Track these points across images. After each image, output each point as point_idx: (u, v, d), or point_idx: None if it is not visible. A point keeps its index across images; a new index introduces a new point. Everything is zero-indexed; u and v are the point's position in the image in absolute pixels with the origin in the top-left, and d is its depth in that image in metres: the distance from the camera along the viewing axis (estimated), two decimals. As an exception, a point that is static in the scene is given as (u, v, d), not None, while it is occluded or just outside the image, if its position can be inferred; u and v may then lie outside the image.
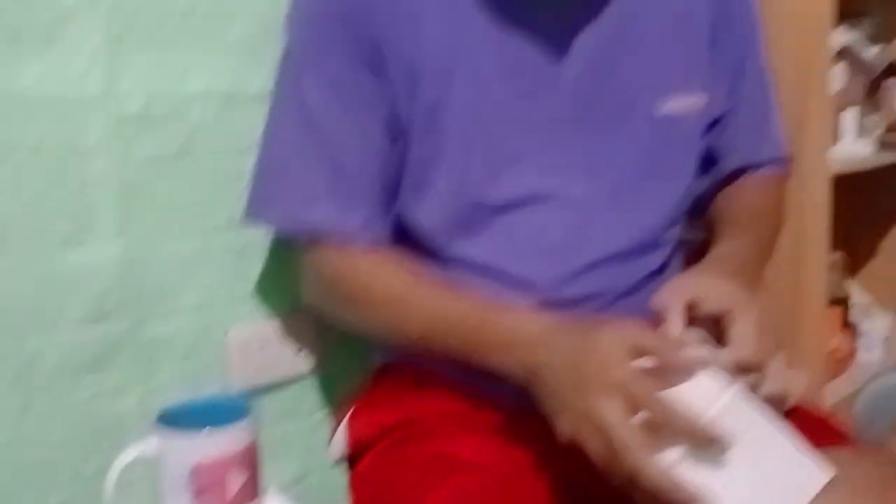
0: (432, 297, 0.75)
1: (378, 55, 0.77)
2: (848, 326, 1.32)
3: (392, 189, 0.81)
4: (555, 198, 0.79)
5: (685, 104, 0.82)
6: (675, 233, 0.85)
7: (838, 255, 1.28)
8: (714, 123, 0.87)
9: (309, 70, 0.80)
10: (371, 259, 0.79)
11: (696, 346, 0.65)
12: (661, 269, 0.83)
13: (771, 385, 0.66)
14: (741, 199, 0.89)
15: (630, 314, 0.70)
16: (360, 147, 0.79)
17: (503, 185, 0.79)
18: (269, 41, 0.90)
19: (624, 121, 0.80)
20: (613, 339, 0.62)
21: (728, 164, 0.89)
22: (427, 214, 0.81)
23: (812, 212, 1.07)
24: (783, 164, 0.93)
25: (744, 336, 0.64)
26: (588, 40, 0.79)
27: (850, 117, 1.17)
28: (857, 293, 1.39)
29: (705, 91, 0.83)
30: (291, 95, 0.82)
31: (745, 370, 0.64)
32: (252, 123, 0.92)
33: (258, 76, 0.95)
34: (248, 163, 0.92)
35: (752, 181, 0.90)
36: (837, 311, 1.28)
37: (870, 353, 1.43)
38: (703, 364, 0.61)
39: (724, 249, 0.81)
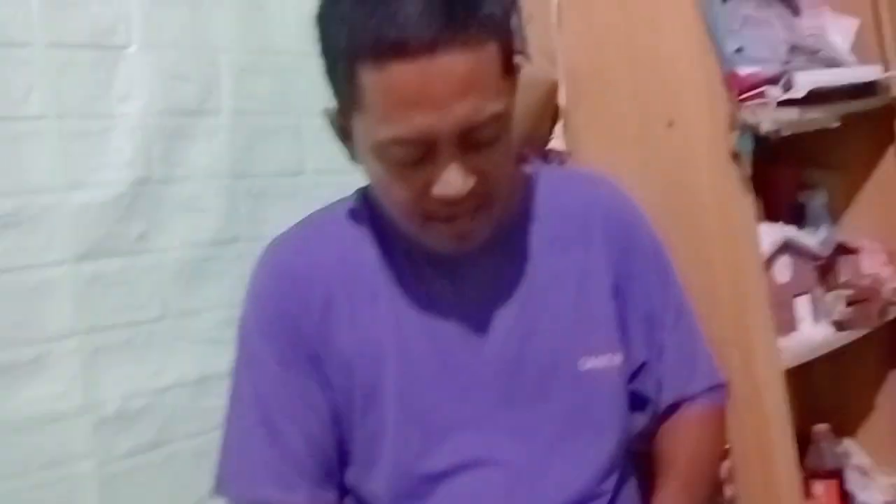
0: None
1: (313, 351, 0.85)
2: (845, 499, 1.27)
3: (338, 462, 0.87)
4: (488, 464, 0.83)
5: (603, 361, 0.86)
6: (613, 481, 0.87)
7: (824, 427, 1.27)
8: (638, 370, 0.91)
9: (254, 364, 0.88)
10: None
11: None
12: None
13: None
14: (677, 441, 0.90)
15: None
16: (300, 432, 0.84)
17: (439, 456, 0.83)
18: (232, 326, 1.00)
19: (547, 383, 0.84)
20: None
21: (661, 401, 0.92)
22: (374, 486, 0.85)
23: (772, 410, 1.07)
24: (717, 391, 0.95)
25: None
26: (505, 312, 0.85)
27: (804, 304, 1.20)
28: (857, 454, 1.35)
29: (620, 348, 0.87)
30: (241, 384, 0.89)
31: None
32: (223, 400, 1.01)
33: (227, 356, 1.04)
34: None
35: (687, 419, 0.91)
36: (833, 483, 1.24)
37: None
38: None
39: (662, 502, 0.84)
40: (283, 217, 1.14)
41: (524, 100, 1.17)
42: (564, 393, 0.85)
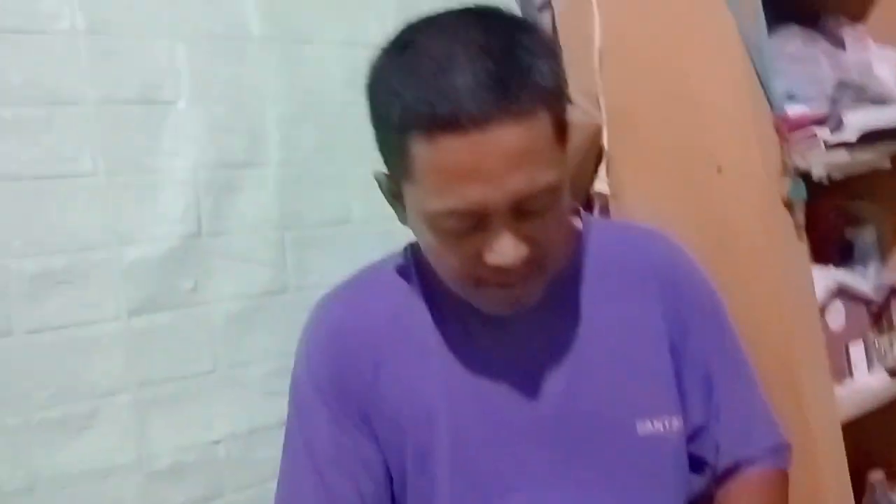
0: None
1: (364, 409, 0.85)
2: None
3: None
4: None
5: (661, 424, 0.84)
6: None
7: (880, 474, 1.24)
8: (696, 432, 0.89)
9: (306, 422, 0.88)
10: None
11: None
12: None
13: None
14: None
15: None
16: (353, 488, 0.84)
17: None
18: (285, 375, 1.00)
19: (603, 445, 0.83)
20: None
21: (719, 465, 0.90)
22: None
23: (829, 463, 1.05)
24: (779, 453, 0.93)
25: None
26: (558, 370, 0.84)
27: (857, 351, 1.17)
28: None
29: (678, 411, 0.86)
30: (294, 442, 0.89)
31: None
32: (275, 451, 1.01)
33: (278, 407, 1.03)
34: (274, 488, 1.00)
35: (747, 482, 0.89)
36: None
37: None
38: None
39: None
40: (329, 266, 1.16)
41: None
42: (621, 455, 0.84)
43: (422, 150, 0.70)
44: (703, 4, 1.06)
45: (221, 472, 1.05)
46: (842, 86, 1.26)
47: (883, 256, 1.38)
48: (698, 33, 1.09)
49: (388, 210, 0.84)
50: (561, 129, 0.75)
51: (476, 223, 0.72)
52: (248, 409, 1.08)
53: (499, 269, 0.74)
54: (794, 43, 1.20)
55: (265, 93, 1.12)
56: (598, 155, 1.22)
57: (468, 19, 0.74)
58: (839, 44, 1.32)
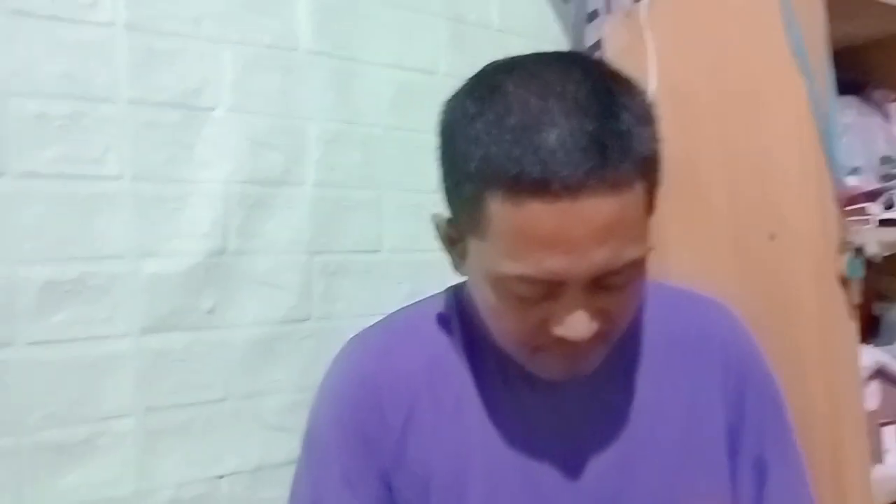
0: None
1: (386, 467, 0.78)
2: None
3: None
4: None
5: None
6: None
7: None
8: None
9: (317, 473, 0.80)
10: None
11: None
12: None
13: None
14: None
15: None
16: None
17: None
18: (300, 411, 0.94)
19: None
20: None
21: None
22: None
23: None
24: None
25: None
26: (606, 442, 0.78)
27: (890, 434, 1.14)
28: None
29: (727, 499, 0.81)
30: (301, 492, 0.82)
31: None
32: (281, 491, 0.94)
33: (289, 445, 0.97)
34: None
35: None
36: None
37: None
38: None
39: None
40: (357, 296, 1.09)
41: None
42: None
43: (501, 210, 0.63)
44: (775, 61, 1.02)
45: (223, 509, 0.98)
46: (886, 160, 1.24)
47: (908, 335, 1.36)
48: (767, 90, 1.05)
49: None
50: (652, 200, 0.69)
51: (548, 292, 0.66)
52: (257, 444, 1.00)
53: (563, 341, 0.68)
54: (849, 113, 1.18)
55: (308, 109, 1.06)
56: (642, 206, 1.18)
57: (564, 68, 0.66)
58: (886, 116, 1.30)
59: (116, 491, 0.91)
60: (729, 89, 1.10)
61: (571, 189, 0.61)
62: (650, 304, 0.85)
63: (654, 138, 0.67)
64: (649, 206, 0.68)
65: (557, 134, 0.61)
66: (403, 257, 1.13)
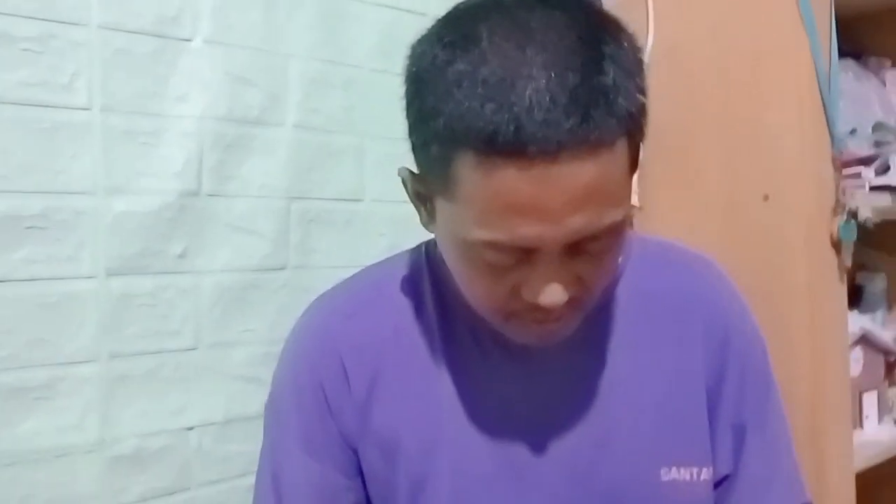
0: None
1: (347, 433, 0.74)
2: None
3: None
4: None
5: (689, 474, 0.75)
6: None
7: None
8: (721, 481, 0.81)
9: (277, 439, 0.77)
10: None
11: None
12: None
13: None
14: None
15: None
16: None
17: None
18: (271, 363, 0.90)
19: (621, 495, 0.73)
20: None
21: None
22: None
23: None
24: None
25: None
26: (581, 409, 0.74)
27: (870, 401, 1.13)
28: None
29: (708, 463, 0.76)
30: (263, 457, 0.78)
31: None
32: (252, 445, 0.90)
33: (258, 398, 0.93)
34: (246, 485, 0.90)
35: None
36: None
37: None
38: None
39: None
40: (335, 247, 1.05)
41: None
42: None
43: (470, 173, 0.57)
44: (779, 20, 1.00)
45: (190, 462, 0.93)
46: (879, 127, 1.23)
47: (890, 306, 1.36)
48: (769, 49, 1.02)
49: (405, 195, 0.71)
50: (635, 160, 0.62)
51: (520, 258, 0.61)
52: (227, 395, 0.96)
53: (536, 307, 0.63)
54: (846, 77, 1.15)
55: (291, 46, 1.00)
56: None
57: (547, 13, 0.59)
58: (883, 83, 1.28)
59: (78, 438, 0.86)
60: (729, 48, 1.07)
61: (549, 153, 0.55)
62: (631, 260, 0.79)
63: (640, 90, 0.59)
64: (632, 164, 0.62)
65: (535, 90, 0.54)
66: (386, 209, 1.08)
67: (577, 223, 0.58)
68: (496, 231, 0.59)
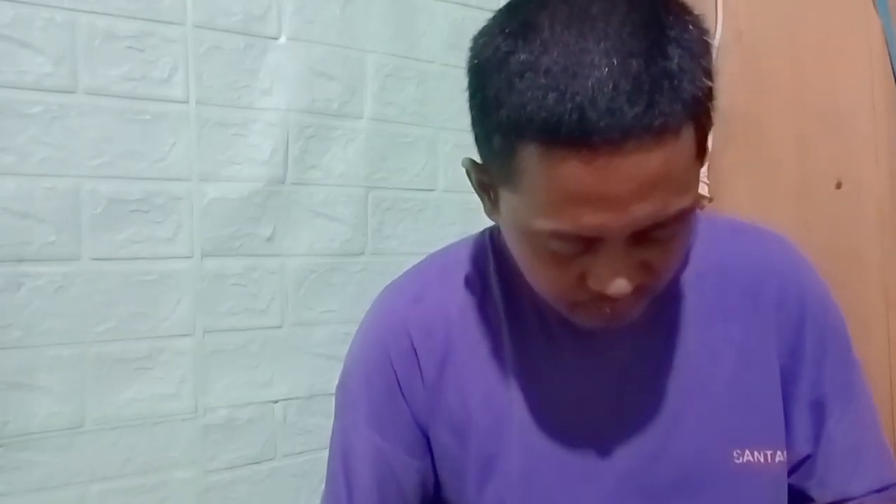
0: None
1: (417, 414, 0.76)
2: None
3: None
4: None
5: (763, 457, 0.74)
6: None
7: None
8: (801, 462, 0.81)
9: (347, 419, 0.79)
10: None
11: None
12: None
13: None
14: None
15: None
16: (379, 501, 0.76)
17: None
18: (348, 342, 0.94)
19: (693, 478, 0.73)
20: None
21: (821, 499, 0.82)
22: None
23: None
24: (891, 492, 0.85)
25: None
26: (650, 391, 0.74)
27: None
28: None
29: (782, 446, 0.75)
30: (335, 435, 0.81)
31: None
32: (331, 419, 0.95)
33: (338, 375, 0.98)
34: (325, 458, 0.94)
35: None
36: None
37: None
38: None
39: None
40: (408, 234, 1.10)
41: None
42: (713, 490, 0.73)
43: (534, 163, 0.57)
44: (852, 3, 1.00)
45: (276, 434, 0.99)
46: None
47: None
48: (841, 36, 1.02)
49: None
50: (702, 145, 0.60)
51: (585, 248, 0.61)
52: (309, 371, 1.02)
53: (603, 296, 0.63)
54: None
55: (368, 41, 1.05)
56: (702, 153, 1.16)
57: None
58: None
59: (175, 407, 0.93)
60: (799, 33, 1.07)
61: (613, 142, 0.54)
62: (701, 237, 0.77)
63: (707, 73, 0.58)
64: (700, 150, 0.61)
65: (597, 78, 0.53)
66: (457, 198, 1.12)
67: (643, 212, 0.57)
68: (560, 221, 0.59)
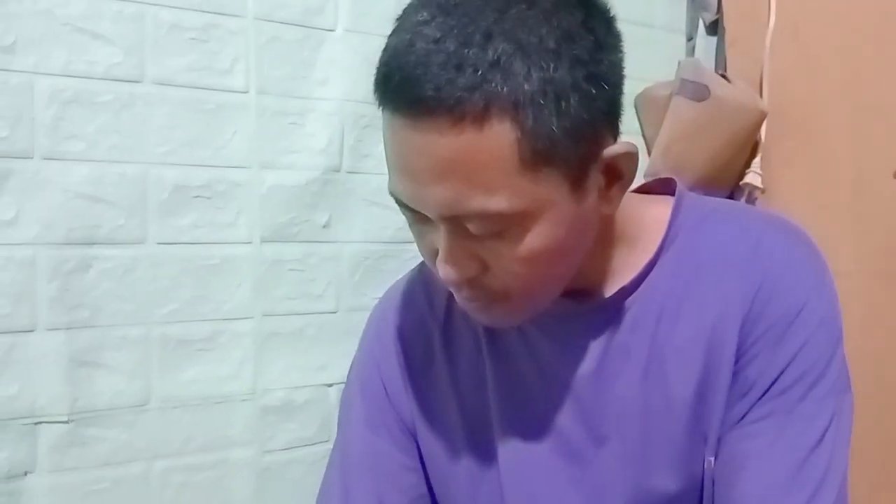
0: None
1: (409, 416, 0.78)
2: None
3: None
4: None
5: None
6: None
7: None
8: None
9: (346, 419, 0.81)
10: None
11: None
12: None
13: None
14: None
15: None
16: (376, 500, 0.77)
17: None
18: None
19: (677, 468, 0.69)
20: None
21: None
22: None
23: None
24: None
25: None
26: (624, 387, 0.69)
27: None
28: None
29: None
30: (337, 436, 0.83)
31: None
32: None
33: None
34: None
35: None
36: None
37: None
38: None
39: None
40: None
41: (729, 125, 1.10)
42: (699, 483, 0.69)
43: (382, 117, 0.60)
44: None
45: (330, 416, 1.01)
46: None
47: None
48: (894, 25, 1.01)
49: None
50: (536, 153, 0.55)
51: (420, 220, 0.61)
52: (363, 356, 1.04)
53: (446, 281, 0.62)
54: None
55: (423, 32, 1.07)
56: (755, 145, 1.15)
57: None
58: None
59: (234, 388, 0.96)
60: (853, 25, 1.07)
61: (412, 115, 0.55)
62: (680, 230, 0.70)
63: (548, 67, 0.54)
64: (530, 158, 0.55)
65: (418, 53, 0.54)
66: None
67: (438, 195, 0.56)
68: (391, 183, 0.61)
